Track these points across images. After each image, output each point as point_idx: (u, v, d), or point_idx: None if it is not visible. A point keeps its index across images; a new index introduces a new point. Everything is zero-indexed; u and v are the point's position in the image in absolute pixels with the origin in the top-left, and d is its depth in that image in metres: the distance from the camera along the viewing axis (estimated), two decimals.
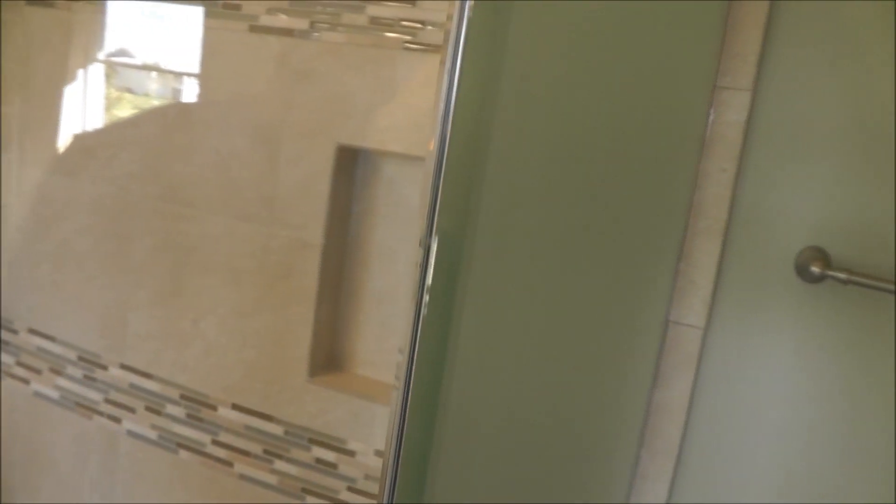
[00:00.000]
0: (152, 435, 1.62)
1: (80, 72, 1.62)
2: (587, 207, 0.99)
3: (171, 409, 1.58)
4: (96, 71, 1.61)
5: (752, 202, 1.15)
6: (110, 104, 1.60)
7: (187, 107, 1.47)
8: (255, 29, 1.38)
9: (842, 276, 1.08)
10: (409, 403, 0.74)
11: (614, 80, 0.97)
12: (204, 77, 1.45)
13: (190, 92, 1.48)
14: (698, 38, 1.10)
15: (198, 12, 1.43)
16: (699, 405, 1.19)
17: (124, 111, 1.59)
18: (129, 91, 1.59)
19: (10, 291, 1.76)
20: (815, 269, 1.10)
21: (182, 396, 1.57)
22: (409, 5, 1.27)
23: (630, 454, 1.16)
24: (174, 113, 1.49)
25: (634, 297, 1.12)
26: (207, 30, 1.42)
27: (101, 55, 1.60)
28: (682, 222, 1.15)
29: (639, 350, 1.14)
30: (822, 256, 1.12)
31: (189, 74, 1.48)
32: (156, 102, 1.54)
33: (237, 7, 1.39)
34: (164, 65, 1.52)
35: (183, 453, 1.57)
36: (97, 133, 1.61)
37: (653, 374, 1.16)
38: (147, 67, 1.55)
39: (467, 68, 0.69)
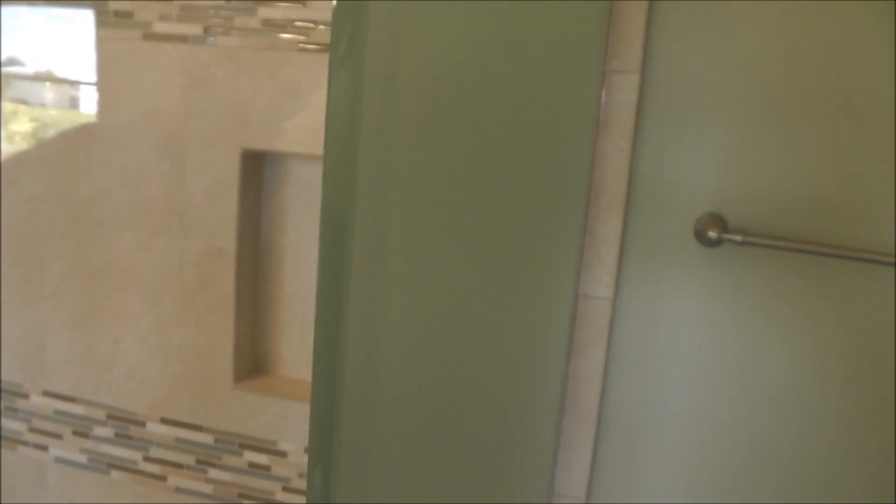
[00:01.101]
0: (82, 459, 1.59)
1: None
2: (489, 192, 1.02)
3: (98, 430, 1.56)
4: None
5: (650, 176, 1.19)
6: (6, 119, 1.55)
7: (88, 121, 1.45)
8: (148, 37, 1.37)
9: (737, 238, 1.14)
10: (321, 398, 0.76)
11: (507, 70, 1.00)
12: (103, 88, 1.43)
13: (90, 104, 1.45)
14: (584, 25, 1.13)
15: (90, 20, 1.41)
16: (614, 371, 1.24)
17: (22, 125, 1.55)
18: (25, 103, 1.54)
19: None
20: (713, 234, 1.16)
21: (109, 416, 1.55)
22: (300, 5, 1.28)
23: (552, 423, 1.20)
24: (75, 129, 1.46)
25: (544, 275, 1.16)
26: (101, 39, 1.40)
27: None
28: (584, 200, 1.18)
29: (552, 324, 1.17)
30: (718, 222, 1.17)
31: (87, 84, 1.45)
32: (53, 113, 1.51)
33: (129, 14, 1.37)
34: (59, 74, 1.49)
35: (115, 473, 1.55)
36: None
37: (567, 346, 1.20)
38: (41, 77, 1.51)
39: (352, 65, 0.70)
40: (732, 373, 1.19)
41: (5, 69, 1.54)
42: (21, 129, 1.55)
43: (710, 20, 1.14)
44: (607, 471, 1.27)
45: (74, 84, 1.47)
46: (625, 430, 1.25)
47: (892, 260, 1.07)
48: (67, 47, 1.45)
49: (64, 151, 1.48)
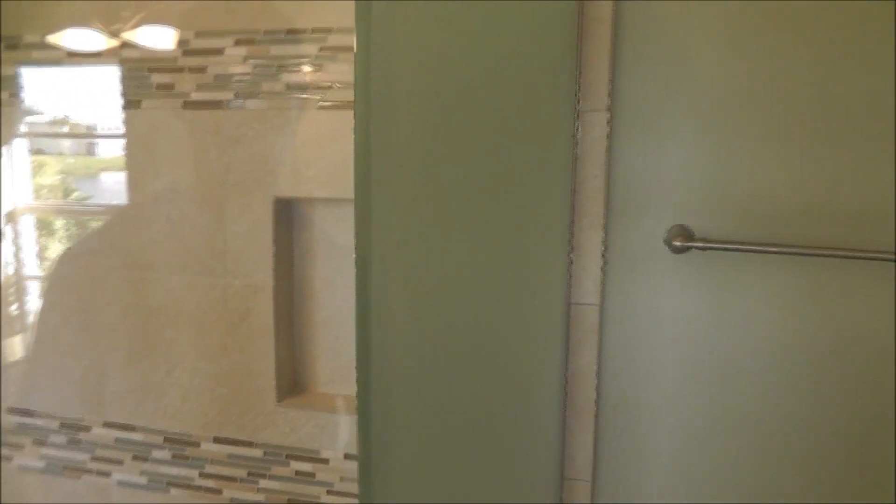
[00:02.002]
0: (142, 481, 1.78)
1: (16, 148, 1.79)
2: (488, 217, 1.22)
3: (157, 453, 1.76)
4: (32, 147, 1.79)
5: (623, 198, 1.40)
6: (34, 171, 1.78)
7: (137, 179, 1.66)
8: (188, 104, 1.58)
9: (699, 245, 1.34)
10: (366, 407, 0.95)
11: (497, 113, 1.21)
12: (149, 151, 1.64)
13: (109, 150, 1.67)
14: (558, 72, 1.35)
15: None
16: (606, 366, 1.44)
17: (48, 178, 1.76)
18: (44, 153, 1.77)
19: None
20: (679, 243, 1.36)
21: (166, 440, 1.74)
22: (317, 70, 1.50)
23: (556, 415, 1.39)
24: (126, 188, 1.68)
25: (538, 287, 1.36)
26: (146, 109, 1.61)
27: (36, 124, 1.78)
28: (569, 221, 1.39)
29: (548, 330, 1.37)
30: (685, 232, 1.38)
31: (116, 136, 1.67)
32: (71, 161, 1.73)
33: (170, 86, 1.59)
34: (79, 122, 1.71)
35: (174, 491, 1.75)
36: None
37: (563, 348, 1.40)
38: (75, 131, 1.75)
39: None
40: (709, 360, 1.39)
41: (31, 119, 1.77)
42: (47, 183, 1.77)
43: (667, 61, 1.35)
44: (608, 453, 1.47)
45: (98, 135, 1.70)
46: (621, 416, 1.45)
47: (840, 254, 1.27)
48: (114, 110, 1.67)
49: (116, 209, 1.69)
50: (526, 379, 1.34)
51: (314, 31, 1.49)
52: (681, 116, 1.36)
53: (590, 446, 1.44)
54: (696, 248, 1.35)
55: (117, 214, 1.69)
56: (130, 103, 1.61)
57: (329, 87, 1.49)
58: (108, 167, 1.74)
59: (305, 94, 1.51)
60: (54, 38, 1.66)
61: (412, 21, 1.08)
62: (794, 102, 1.30)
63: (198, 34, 1.54)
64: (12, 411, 1.89)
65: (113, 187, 1.70)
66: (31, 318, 1.84)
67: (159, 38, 1.60)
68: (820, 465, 1.37)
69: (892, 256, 1.24)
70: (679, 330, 1.40)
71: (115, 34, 1.62)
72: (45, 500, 1.89)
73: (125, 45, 1.59)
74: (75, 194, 1.81)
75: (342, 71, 1.49)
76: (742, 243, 1.33)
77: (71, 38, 1.66)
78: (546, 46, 1.29)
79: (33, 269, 1.86)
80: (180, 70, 1.56)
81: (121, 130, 1.65)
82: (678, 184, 1.38)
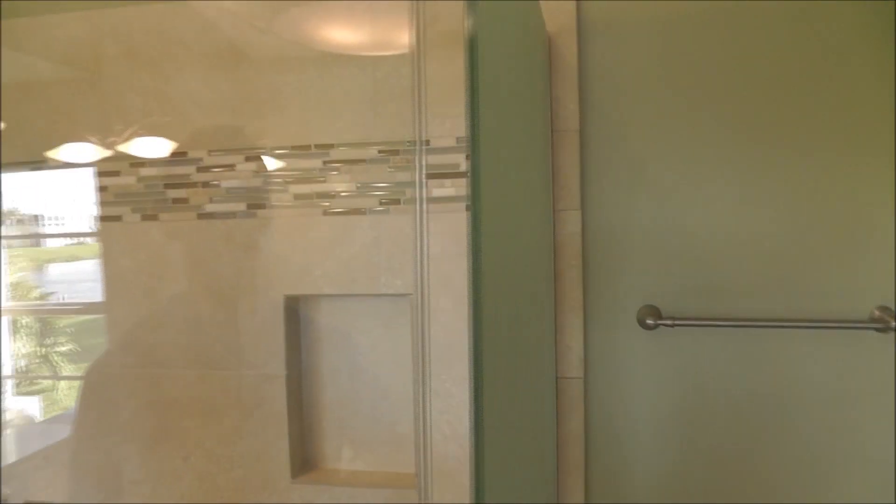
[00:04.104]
0: None
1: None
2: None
3: None
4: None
5: (598, 284, 1.64)
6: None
7: (153, 287, 1.81)
8: (202, 216, 1.75)
9: (668, 322, 1.58)
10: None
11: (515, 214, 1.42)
12: (165, 260, 1.79)
13: (155, 273, 1.82)
14: (541, 177, 1.58)
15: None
16: (592, 430, 1.65)
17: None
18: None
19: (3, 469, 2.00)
20: (650, 321, 1.60)
21: None
22: (322, 183, 1.69)
23: (551, 473, 1.60)
24: (141, 292, 1.82)
25: (540, 365, 1.57)
26: (162, 222, 1.77)
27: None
28: (552, 305, 1.61)
29: (544, 401, 1.58)
30: (654, 311, 1.61)
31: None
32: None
33: (185, 200, 1.75)
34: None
35: None
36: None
37: (555, 416, 1.61)
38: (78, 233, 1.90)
39: None
40: (681, 421, 1.62)
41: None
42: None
43: (627, 171, 1.61)
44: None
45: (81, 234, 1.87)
46: (606, 472, 1.66)
47: (788, 325, 1.53)
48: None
49: (131, 310, 1.83)
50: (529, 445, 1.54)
51: (317, 147, 1.69)
52: (643, 214, 1.61)
53: (580, 500, 1.65)
54: (665, 325, 1.59)
55: (133, 317, 1.82)
56: (148, 217, 1.76)
57: (334, 196, 1.69)
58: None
59: (312, 202, 1.70)
60: (52, 154, 1.81)
61: None
62: (738, 184, 1.56)
63: (211, 152, 1.72)
64: None
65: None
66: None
67: (153, 148, 1.76)
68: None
69: (831, 325, 1.51)
70: (653, 395, 1.63)
71: (109, 147, 1.77)
72: None
73: (143, 163, 1.75)
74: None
75: (343, 180, 1.68)
76: (703, 319, 1.57)
77: (67, 152, 1.81)
78: (532, 155, 1.52)
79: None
80: (194, 185, 1.73)
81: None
82: (646, 270, 1.62)
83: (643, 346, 1.63)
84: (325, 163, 1.69)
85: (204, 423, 1.81)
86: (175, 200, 1.76)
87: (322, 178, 1.69)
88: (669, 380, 1.63)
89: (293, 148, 1.70)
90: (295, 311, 1.78)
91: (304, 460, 1.83)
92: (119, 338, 1.84)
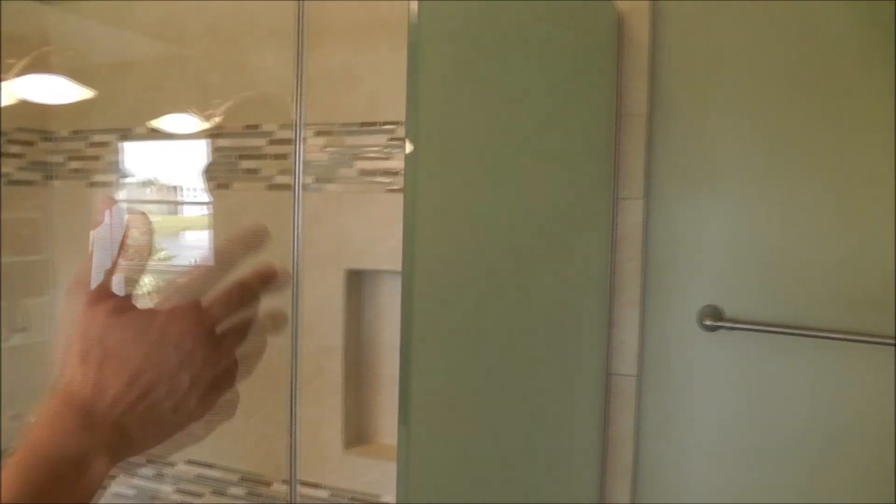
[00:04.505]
0: None
1: None
2: (533, 296, 1.39)
3: (233, 490, 1.96)
4: None
5: (658, 279, 1.56)
6: None
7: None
8: (272, 187, 1.79)
9: (728, 325, 1.49)
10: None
11: (542, 203, 1.38)
12: (233, 229, 1.86)
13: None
14: (599, 163, 1.52)
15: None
16: (644, 433, 1.59)
17: None
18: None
19: None
20: (710, 322, 1.51)
21: (241, 479, 1.94)
22: (386, 159, 1.69)
23: (594, 480, 1.55)
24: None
25: (583, 360, 1.52)
26: (235, 191, 1.83)
27: None
28: (608, 299, 1.55)
29: (589, 398, 1.53)
30: (715, 312, 1.53)
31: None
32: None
33: (256, 171, 1.81)
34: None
35: None
36: None
37: (603, 416, 1.55)
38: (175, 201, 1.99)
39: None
40: (739, 432, 1.53)
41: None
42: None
43: (697, 151, 1.52)
44: None
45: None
46: (657, 482, 1.60)
47: (864, 339, 1.41)
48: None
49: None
50: (568, 439, 1.50)
51: (384, 123, 1.69)
52: (711, 205, 1.52)
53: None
54: (726, 327, 1.49)
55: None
56: (221, 185, 1.83)
57: (397, 173, 1.69)
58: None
59: (376, 179, 1.71)
60: (156, 123, 1.90)
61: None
62: (819, 188, 1.45)
63: (282, 126, 1.76)
64: None
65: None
66: None
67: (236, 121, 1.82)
68: None
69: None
70: (710, 401, 1.54)
71: (207, 118, 1.84)
72: None
73: (220, 134, 1.82)
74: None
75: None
76: (769, 325, 1.47)
77: (170, 122, 1.89)
78: (587, 139, 1.47)
79: None
80: (265, 157, 1.78)
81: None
82: (710, 266, 1.53)
83: (703, 347, 1.54)
84: (389, 139, 1.69)
85: (266, 388, 1.86)
86: (246, 171, 1.81)
87: (386, 156, 1.69)
88: (731, 386, 1.53)
89: (361, 125, 1.71)
90: (355, 286, 1.80)
91: (358, 433, 1.86)
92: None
